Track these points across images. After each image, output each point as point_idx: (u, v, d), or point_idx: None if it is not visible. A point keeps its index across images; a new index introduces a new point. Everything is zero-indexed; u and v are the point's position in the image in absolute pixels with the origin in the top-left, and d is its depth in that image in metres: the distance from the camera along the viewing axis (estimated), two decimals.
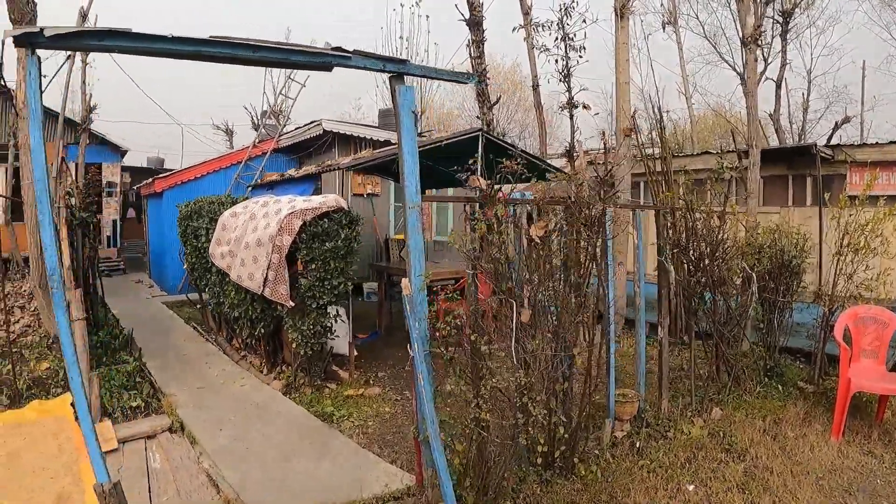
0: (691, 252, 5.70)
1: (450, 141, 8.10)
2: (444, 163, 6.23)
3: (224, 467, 4.55)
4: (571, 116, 8.91)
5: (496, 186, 3.63)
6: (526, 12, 12.26)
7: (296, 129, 15.32)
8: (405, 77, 3.55)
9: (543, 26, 9.05)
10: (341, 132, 13.72)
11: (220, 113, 55.56)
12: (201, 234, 8.35)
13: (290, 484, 4.33)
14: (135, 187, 21.57)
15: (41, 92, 2.69)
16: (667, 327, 5.52)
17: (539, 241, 3.73)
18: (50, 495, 4.10)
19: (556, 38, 8.84)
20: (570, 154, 8.32)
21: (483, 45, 9.84)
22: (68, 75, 13.27)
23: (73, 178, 10.08)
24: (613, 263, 4.80)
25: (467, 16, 9.84)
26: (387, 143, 13.85)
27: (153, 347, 8.33)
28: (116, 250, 18.24)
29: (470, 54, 10.14)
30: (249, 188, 13.78)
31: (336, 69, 3.39)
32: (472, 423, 3.54)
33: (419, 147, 3.65)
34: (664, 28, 16.33)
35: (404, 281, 3.65)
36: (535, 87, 9.86)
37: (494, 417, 3.64)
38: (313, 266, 6.42)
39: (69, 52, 9.53)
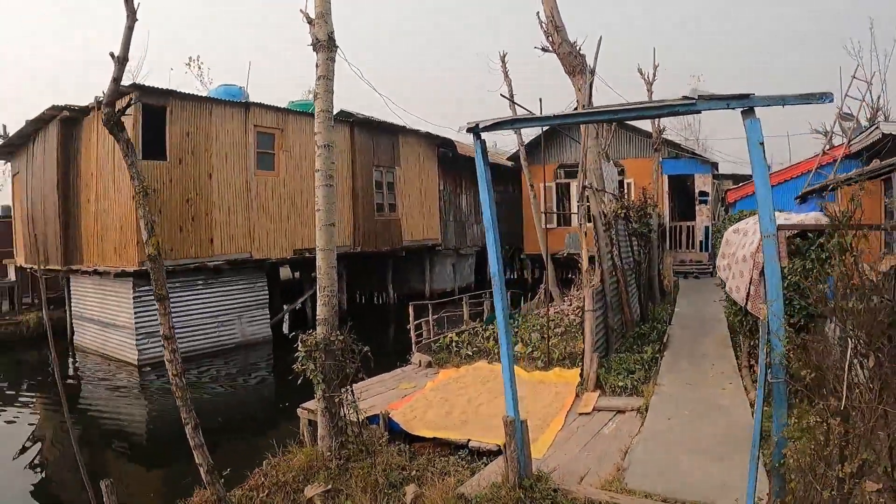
0: None
1: None
2: None
3: (639, 447, 5.62)
4: None
5: None
6: None
7: (862, 132, 13.45)
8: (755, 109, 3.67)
9: None
10: None
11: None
12: (718, 245, 9.23)
13: (672, 474, 4.97)
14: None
15: (485, 162, 4.72)
16: None
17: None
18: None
19: None
20: None
21: None
22: None
23: (647, 192, 12.53)
24: None
25: None
26: None
27: (680, 343, 9.74)
28: (707, 254, 20.14)
29: None
30: (797, 200, 13.02)
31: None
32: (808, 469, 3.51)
33: None
34: None
35: (762, 307, 3.91)
36: None
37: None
38: (785, 283, 6.47)
39: None
